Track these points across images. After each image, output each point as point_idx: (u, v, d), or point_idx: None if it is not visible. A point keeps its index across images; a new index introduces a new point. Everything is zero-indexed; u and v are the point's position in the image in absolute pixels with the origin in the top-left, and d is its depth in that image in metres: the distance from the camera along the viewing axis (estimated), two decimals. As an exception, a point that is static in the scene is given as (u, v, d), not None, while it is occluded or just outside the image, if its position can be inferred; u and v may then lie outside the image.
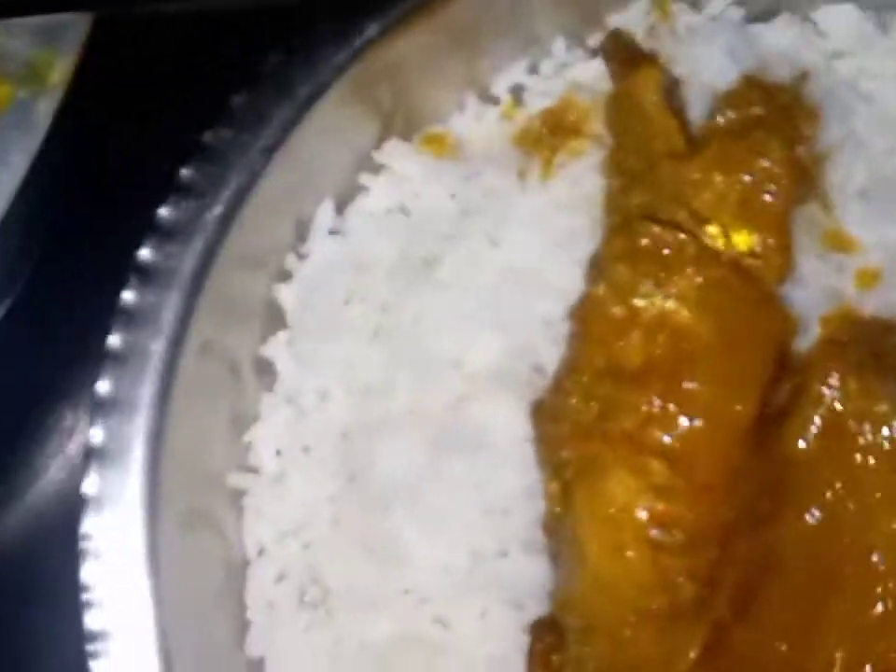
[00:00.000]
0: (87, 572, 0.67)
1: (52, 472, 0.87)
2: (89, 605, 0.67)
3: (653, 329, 0.64)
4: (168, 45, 0.73)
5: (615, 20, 0.78)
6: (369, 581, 0.72)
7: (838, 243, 0.72)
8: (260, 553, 0.75)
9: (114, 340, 0.70)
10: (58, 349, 0.84)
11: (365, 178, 0.80)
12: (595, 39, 0.78)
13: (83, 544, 0.67)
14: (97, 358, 0.71)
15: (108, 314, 0.71)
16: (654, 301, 0.64)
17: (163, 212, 0.71)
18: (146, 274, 0.70)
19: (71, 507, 0.82)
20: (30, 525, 0.87)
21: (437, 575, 0.70)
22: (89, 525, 0.68)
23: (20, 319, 0.75)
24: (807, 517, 0.59)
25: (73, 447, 0.87)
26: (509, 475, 0.70)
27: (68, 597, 0.79)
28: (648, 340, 0.64)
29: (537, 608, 0.67)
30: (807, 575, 0.59)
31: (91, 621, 0.67)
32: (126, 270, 0.70)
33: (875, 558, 0.57)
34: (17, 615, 0.83)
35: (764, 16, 0.79)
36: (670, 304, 0.64)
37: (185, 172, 0.71)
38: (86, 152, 0.69)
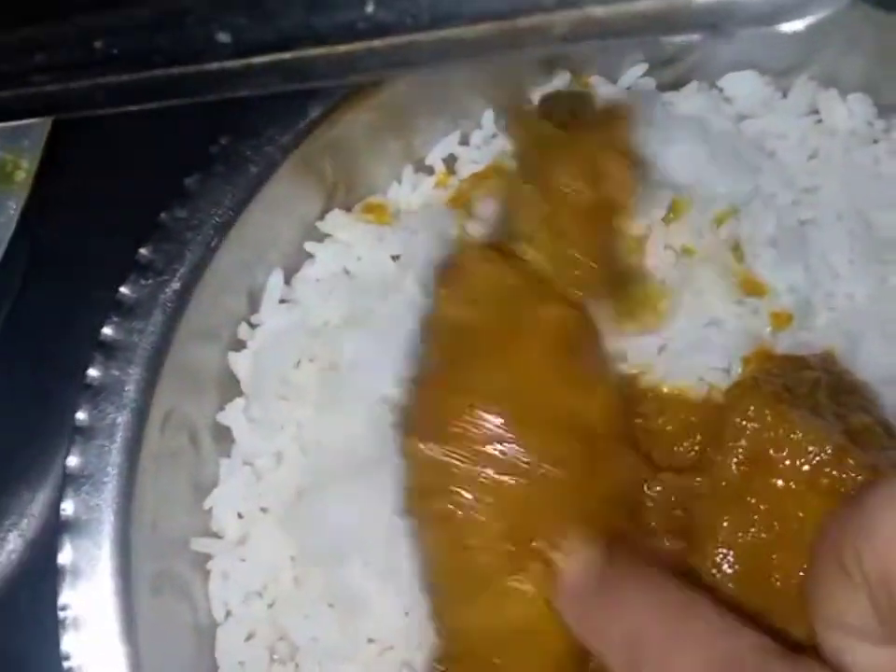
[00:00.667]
0: (67, 643, 0.69)
1: (10, 550, 0.88)
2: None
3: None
4: (122, 133, 0.76)
5: (539, 92, 0.83)
6: (333, 633, 0.74)
7: (752, 288, 0.78)
8: (228, 614, 0.78)
9: (81, 415, 0.73)
10: (21, 427, 0.85)
11: (311, 247, 0.84)
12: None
13: (62, 614, 0.70)
14: (54, 436, 0.74)
15: (70, 391, 0.74)
16: None
17: (124, 290, 0.74)
18: (109, 351, 0.73)
19: (29, 580, 0.85)
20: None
21: (398, 621, 0.73)
22: (66, 595, 0.70)
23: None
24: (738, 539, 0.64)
25: (27, 525, 0.88)
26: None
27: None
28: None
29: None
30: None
31: (71, 690, 0.69)
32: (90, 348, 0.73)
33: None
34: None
35: (675, 85, 0.85)
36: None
37: (143, 251, 0.75)
38: (48, 239, 0.72)
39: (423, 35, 0.43)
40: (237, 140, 0.77)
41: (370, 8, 0.43)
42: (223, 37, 0.46)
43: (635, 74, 0.84)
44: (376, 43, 0.43)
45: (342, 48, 0.44)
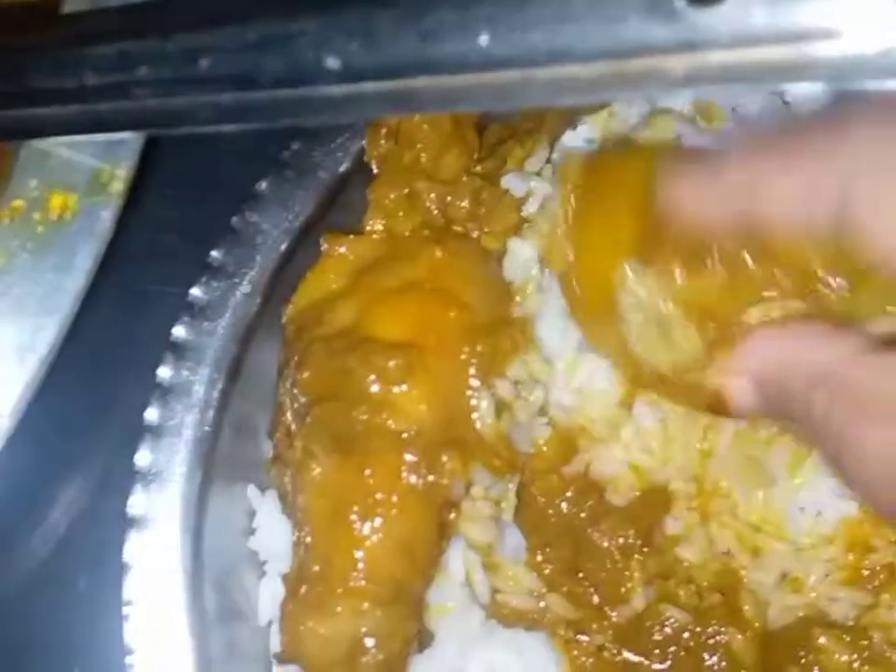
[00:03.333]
0: (129, 635, 0.71)
1: (68, 538, 0.89)
2: (131, 666, 0.70)
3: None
4: (198, 136, 0.77)
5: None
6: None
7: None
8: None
9: (151, 414, 0.74)
10: (91, 427, 0.87)
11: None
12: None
13: (125, 609, 0.71)
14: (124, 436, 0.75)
15: (140, 392, 0.75)
16: None
17: (195, 291, 0.75)
18: (180, 351, 0.74)
19: (84, 568, 0.86)
20: (45, 585, 0.89)
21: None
22: (129, 588, 0.71)
23: (50, 396, 0.78)
24: None
25: (87, 514, 0.89)
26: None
27: (89, 658, 0.83)
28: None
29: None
30: None
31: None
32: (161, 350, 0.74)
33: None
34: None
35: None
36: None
37: (215, 254, 0.76)
38: (121, 239, 0.73)
39: (536, 72, 0.43)
40: (308, 145, 0.78)
41: (483, 41, 0.43)
42: (332, 63, 0.46)
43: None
44: (488, 76, 0.44)
45: (452, 79, 0.44)
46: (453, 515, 0.70)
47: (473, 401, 0.71)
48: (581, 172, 0.73)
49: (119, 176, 0.67)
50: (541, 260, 0.76)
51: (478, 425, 0.71)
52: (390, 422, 0.69)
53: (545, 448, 0.74)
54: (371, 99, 0.46)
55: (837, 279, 0.60)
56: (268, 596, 0.77)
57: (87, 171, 0.68)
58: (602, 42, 0.41)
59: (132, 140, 0.65)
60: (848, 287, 0.61)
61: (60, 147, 0.66)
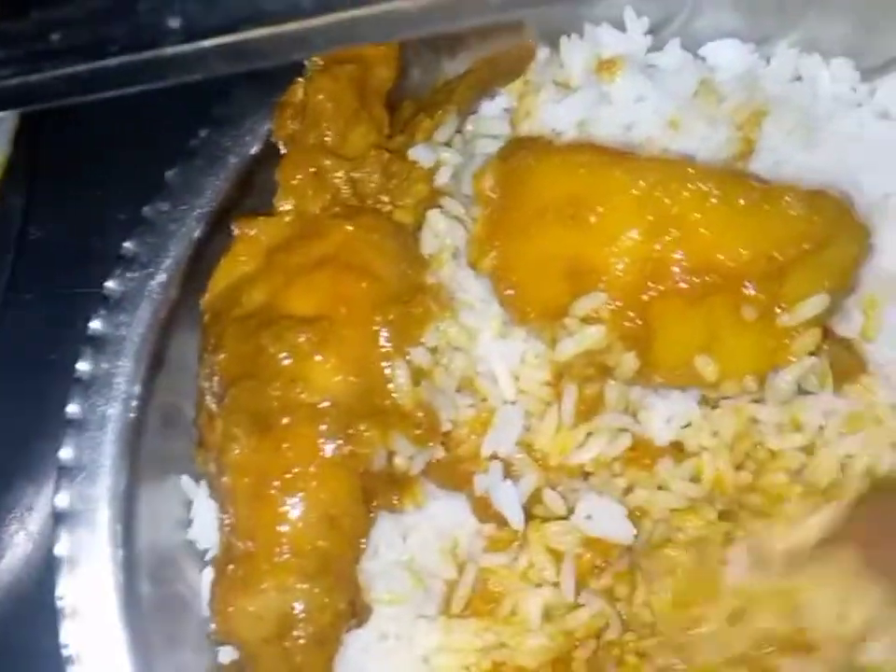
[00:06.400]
0: (66, 631, 0.71)
1: (18, 547, 0.89)
2: (69, 661, 0.70)
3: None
4: (103, 129, 0.77)
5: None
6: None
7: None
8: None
9: (73, 408, 0.74)
10: (14, 427, 0.87)
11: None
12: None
13: (60, 604, 0.71)
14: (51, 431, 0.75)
15: (60, 388, 0.75)
16: None
17: (110, 284, 0.75)
18: (98, 344, 0.74)
19: (37, 576, 0.86)
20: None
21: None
22: (64, 585, 0.71)
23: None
24: None
25: (32, 518, 0.89)
26: None
27: (45, 660, 0.83)
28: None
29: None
30: None
31: (71, 677, 0.70)
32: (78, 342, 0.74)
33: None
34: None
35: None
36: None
37: (127, 245, 0.76)
38: (34, 237, 0.74)
39: (364, 11, 0.43)
40: (216, 131, 0.78)
41: (312, -14, 0.43)
42: (173, 23, 0.47)
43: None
44: (320, 20, 0.44)
45: (287, 27, 0.45)
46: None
47: (389, 371, 0.71)
48: (498, 175, 0.74)
49: (-6, 159, 0.67)
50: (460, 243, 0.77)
51: (395, 394, 0.71)
52: (304, 395, 0.69)
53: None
54: (214, 54, 0.47)
55: None
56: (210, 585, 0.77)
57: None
58: (424, -25, 0.42)
59: (3, 125, 0.65)
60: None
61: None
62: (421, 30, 0.45)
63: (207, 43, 0.46)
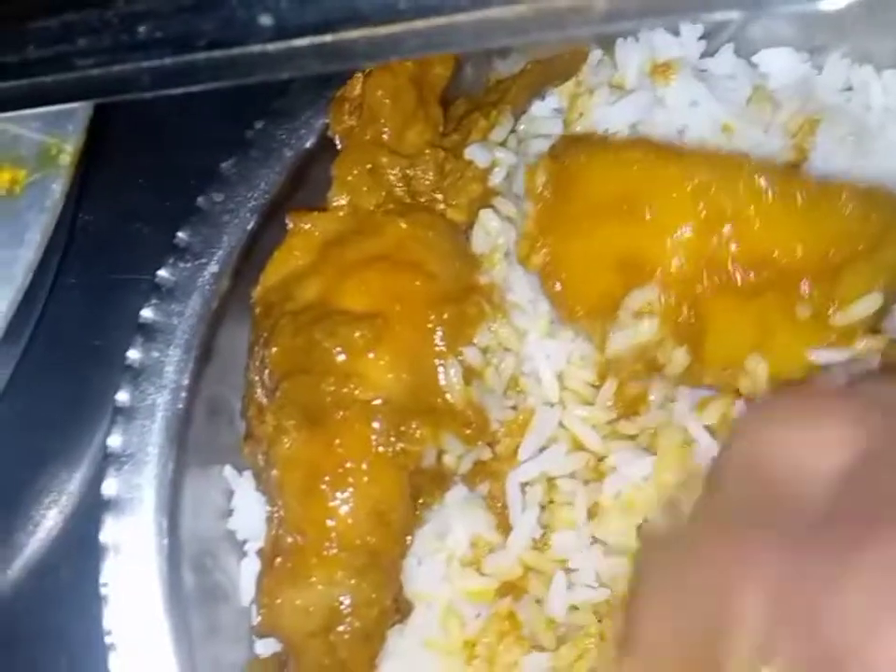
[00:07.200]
0: (108, 618, 0.71)
1: (50, 527, 0.90)
2: (112, 647, 0.71)
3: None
4: (162, 119, 0.78)
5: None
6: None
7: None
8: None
9: (122, 395, 0.74)
10: (53, 410, 0.87)
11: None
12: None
13: (104, 591, 0.71)
14: (93, 416, 0.75)
15: (107, 373, 0.75)
16: None
17: (163, 273, 0.75)
18: (149, 333, 0.75)
19: (67, 558, 0.86)
20: (31, 576, 0.89)
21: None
22: (108, 573, 0.72)
23: (21, 381, 0.78)
24: None
25: (66, 502, 0.90)
26: None
27: (77, 644, 0.83)
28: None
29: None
30: None
31: (113, 665, 0.71)
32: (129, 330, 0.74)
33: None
34: (27, 663, 0.86)
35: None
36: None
37: (181, 235, 0.76)
38: (89, 222, 0.74)
39: (463, 16, 0.43)
40: (272, 124, 0.78)
41: (410, -11, 0.43)
42: (265, 20, 0.47)
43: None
44: (417, 24, 0.44)
45: (382, 29, 0.45)
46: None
47: (441, 370, 0.71)
48: (550, 172, 0.74)
49: (68, 150, 0.68)
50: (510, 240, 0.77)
51: (447, 393, 0.71)
52: (358, 392, 0.69)
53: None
54: (305, 54, 0.47)
55: None
56: (249, 576, 0.77)
57: (35, 145, 0.68)
58: (524, -17, 0.42)
59: (79, 113, 0.65)
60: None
61: (6, 122, 0.66)
62: (517, 38, 0.45)
63: (298, 42, 0.46)
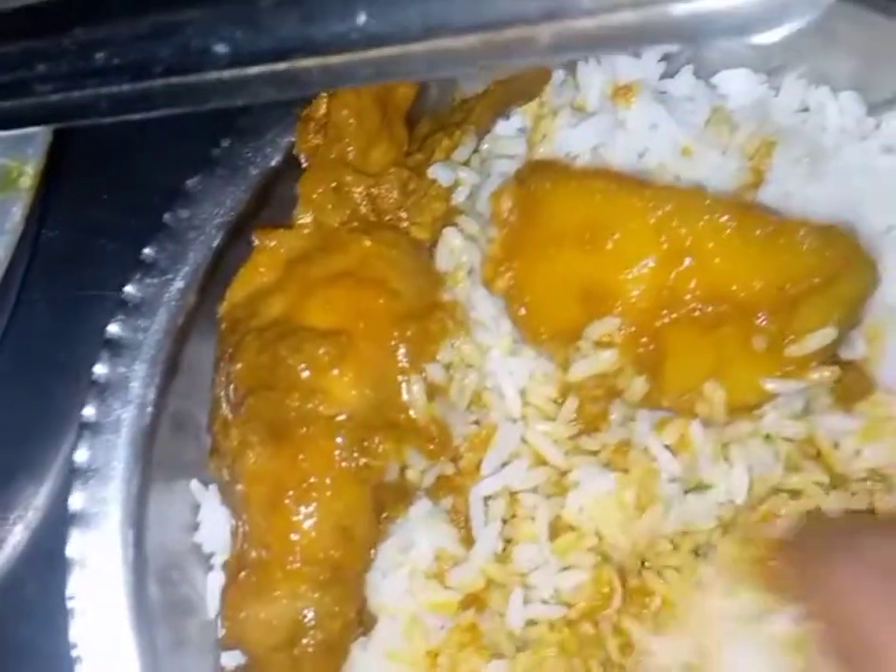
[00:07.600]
0: (74, 631, 0.72)
1: (16, 541, 0.90)
2: (78, 660, 0.71)
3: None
4: (126, 137, 0.78)
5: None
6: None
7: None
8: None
9: (88, 411, 0.75)
10: (19, 425, 0.88)
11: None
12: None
13: (70, 604, 0.72)
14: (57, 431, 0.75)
15: (72, 389, 0.76)
16: None
17: (129, 289, 0.76)
18: (115, 348, 0.75)
19: (33, 571, 0.87)
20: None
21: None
22: (74, 586, 0.72)
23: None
24: None
25: (32, 516, 0.90)
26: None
27: (44, 657, 0.84)
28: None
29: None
30: None
31: (79, 675, 0.71)
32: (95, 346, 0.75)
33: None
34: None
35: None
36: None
37: (147, 251, 0.77)
38: (54, 240, 0.75)
39: (414, 46, 0.44)
40: (238, 142, 0.79)
41: (361, 20, 0.45)
42: (221, 48, 0.48)
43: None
44: (370, 53, 0.45)
45: (335, 58, 0.46)
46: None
47: (405, 386, 0.72)
48: (516, 196, 0.76)
49: (28, 173, 0.68)
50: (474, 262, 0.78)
51: (410, 409, 0.72)
52: (322, 407, 0.70)
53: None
54: (260, 82, 0.48)
55: None
56: (215, 589, 0.78)
57: (-6, 168, 0.69)
58: (473, 16, 0.43)
59: (39, 136, 0.66)
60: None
61: (-33, 146, 0.67)
62: (467, 67, 0.46)
63: (253, 70, 0.47)
